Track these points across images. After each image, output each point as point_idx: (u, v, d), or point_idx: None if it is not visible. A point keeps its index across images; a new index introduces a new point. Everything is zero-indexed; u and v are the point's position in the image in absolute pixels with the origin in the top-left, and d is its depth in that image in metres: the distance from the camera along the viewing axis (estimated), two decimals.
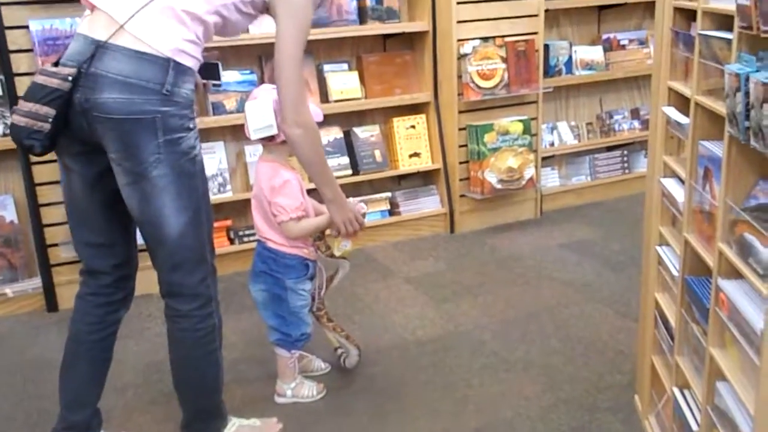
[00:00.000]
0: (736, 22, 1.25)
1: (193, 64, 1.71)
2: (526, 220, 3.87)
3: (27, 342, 2.78)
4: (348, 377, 2.44)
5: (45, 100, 1.60)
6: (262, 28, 3.21)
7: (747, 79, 1.17)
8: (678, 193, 1.66)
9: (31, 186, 2.92)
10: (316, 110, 2.07)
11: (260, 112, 2.05)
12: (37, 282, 3.02)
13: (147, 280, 3.04)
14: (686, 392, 1.65)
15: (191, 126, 1.72)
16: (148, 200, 1.69)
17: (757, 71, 1.16)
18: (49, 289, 3.00)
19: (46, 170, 2.87)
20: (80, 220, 1.86)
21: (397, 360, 2.54)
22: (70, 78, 1.60)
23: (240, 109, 3.26)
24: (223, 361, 1.97)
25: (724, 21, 1.40)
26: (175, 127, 1.66)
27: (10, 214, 2.97)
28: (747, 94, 1.17)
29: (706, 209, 1.48)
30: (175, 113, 1.65)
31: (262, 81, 3.34)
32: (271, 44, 3.14)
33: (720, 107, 1.36)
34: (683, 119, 1.60)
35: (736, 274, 1.31)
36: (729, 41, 1.32)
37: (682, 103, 1.66)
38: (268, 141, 2.13)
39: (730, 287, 1.33)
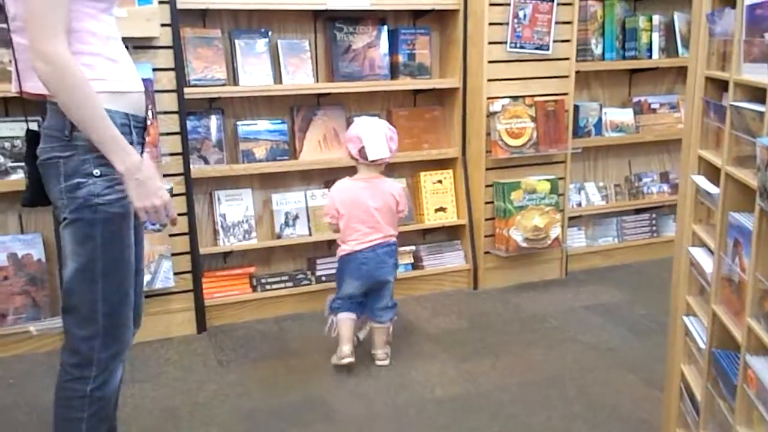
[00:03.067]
0: None
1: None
2: (551, 280, 3.82)
3: (46, 382, 2.75)
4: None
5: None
6: (294, 79, 3.28)
7: None
8: (706, 263, 1.63)
9: (59, 226, 2.95)
10: (374, 147, 2.74)
11: (379, 138, 2.74)
12: (59, 322, 3.03)
13: (165, 322, 3.10)
14: None
15: (95, 172, 1.62)
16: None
17: None
18: None
19: None
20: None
21: (413, 419, 2.49)
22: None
23: (269, 158, 3.31)
24: None
25: (756, 93, 1.40)
26: (74, 173, 1.63)
27: (38, 253, 3.02)
28: None
29: (735, 281, 1.45)
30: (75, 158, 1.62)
31: (293, 131, 3.39)
32: (302, 95, 3.21)
33: (751, 179, 1.34)
34: (713, 189, 1.58)
35: (765, 351, 1.27)
36: (761, 113, 1.31)
37: (712, 172, 1.64)
38: (374, 162, 2.76)
39: (759, 364, 1.29)
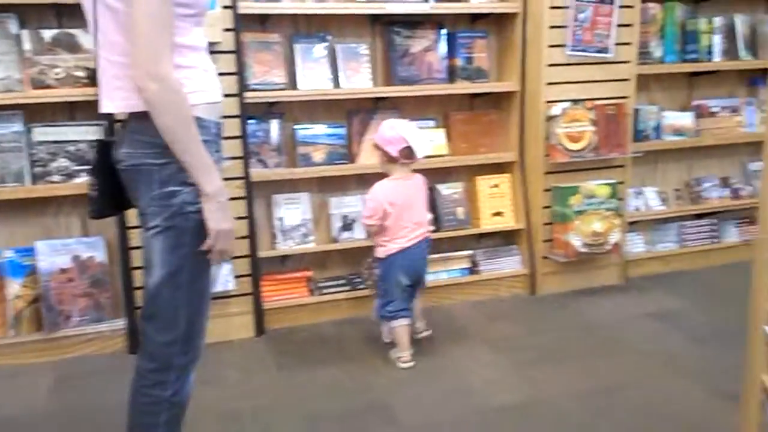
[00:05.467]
0: None
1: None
2: (610, 286, 3.76)
3: (107, 384, 2.81)
4: None
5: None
6: (352, 84, 3.29)
7: None
8: None
9: (122, 229, 3.02)
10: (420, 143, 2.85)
11: (420, 137, 2.87)
12: (121, 323, 3.09)
13: (224, 325, 3.12)
14: None
15: (190, 181, 1.62)
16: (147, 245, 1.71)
17: None
18: (132, 331, 3.07)
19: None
20: None
21: (476, 426, 2.46)
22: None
23: (327, 162, 3.32)
24: None
25: None
26: (169, 181, 1.63)
27: (101, 256, 3.08)
28: None
29: None
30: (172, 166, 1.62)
31: (350, 135, 3.39)
32: (359, 99, 3.23)
33: None
34: None
35: None
36: None
37: None
38: (413, 159, 2.85)
39: None
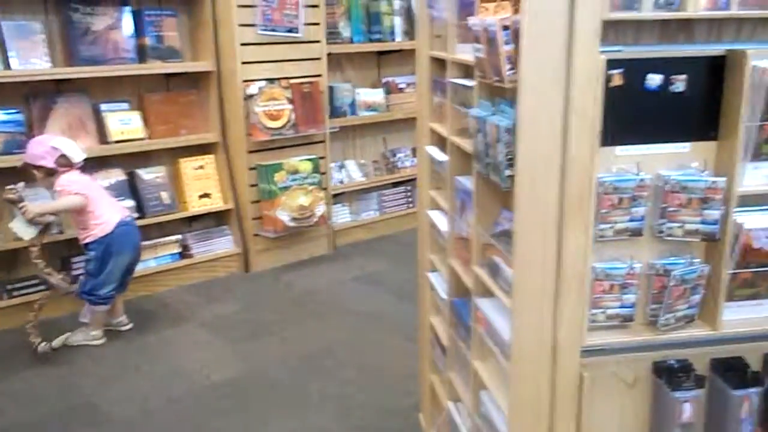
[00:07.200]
0: (476, 73, 1.42)
1: None
2: (320, 256, 3.97)
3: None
4: (144, 429, 2.33)
5: None
6: (25, 65, 3.01)
7: (485, 122, 1.33)
8: (443, 224, 1.83)
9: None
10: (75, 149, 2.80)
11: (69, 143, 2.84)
12: None
13: None
14: (459, 405, 1.79)
15: None
16: None
17: (492, 115, 1.32)
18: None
19: None
20: None
21: (191, 407, 2.47)
22: None
23: (5, 151, 3.01)
24: None
25: (468, 70, 1.58)
26: None
27: None
28: (485, 134, 1.33)
29: (464, 237, 1.64)
30: None
31: (29, 121, 3.11)
32: (38, 82, 2.95)
33: (468, 146, 1.52)
34: (442, 157, 1.77)
35: (489, 294, 1.47)
36: (471, 88, 1.49)
37: (441, 142, 1.83)
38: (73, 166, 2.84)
39: (485, 305, 1.48)
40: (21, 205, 2.68)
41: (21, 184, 2.74)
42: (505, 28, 1.22)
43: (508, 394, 1.35)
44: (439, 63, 1.88)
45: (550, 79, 1.17)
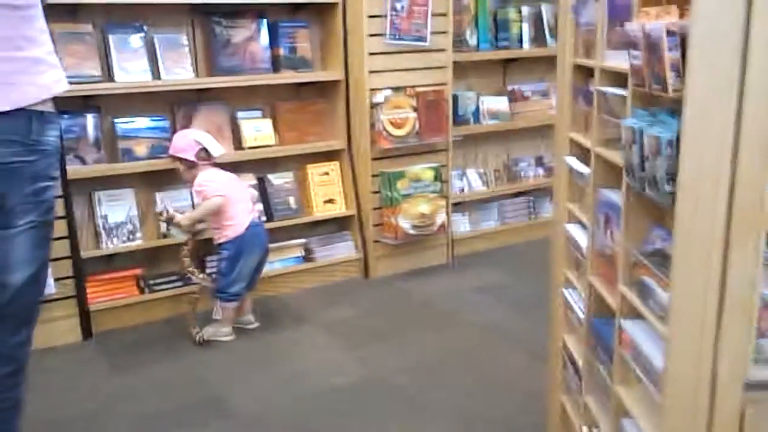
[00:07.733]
0: (630, 81, 1.35)
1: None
2: (439, 265, 3.95)
3: None
4: (264, 427, 2.39)
5: None
6: (172, 75, 3.20)
7: (642, 134, 1.26)
8: (581, 238, 1.76)
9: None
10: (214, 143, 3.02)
11: (210, 138, 3.05)
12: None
13: (47, 331, 2.93)
14: (594, 430, 1.71)
15: (56, 175, 1.71)
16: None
17: (651, 126, 1.25)
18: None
19: None
20: None
21: (313, 408, 2.51)
22: None
23: (151, 155, 3.21)
24: None
25: (618, 78, 1.51)
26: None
27: None
28: (642, 147, 1.27)
29: (607, 254, 1.57)
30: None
31: (174, 128, 3.29)
32: (182, 91, 3.12)
33: (617, 158, 1.46)
34: (584, 169, 1.70)
35: (636, 315, 1.39)
36: (624, 97, 1.42)
37: (582, 153, 1.77)
38: (211, 159, 3.04)
39: (632, 328, 1.40)
40: (174, 222, 2.97)
41: (164, 205, 3.14)
42: (670, 33, 1.15)
43: (655, 423, 1.28)
44: (581, 70, 1.82)
45: (721, 89, 1.09)
